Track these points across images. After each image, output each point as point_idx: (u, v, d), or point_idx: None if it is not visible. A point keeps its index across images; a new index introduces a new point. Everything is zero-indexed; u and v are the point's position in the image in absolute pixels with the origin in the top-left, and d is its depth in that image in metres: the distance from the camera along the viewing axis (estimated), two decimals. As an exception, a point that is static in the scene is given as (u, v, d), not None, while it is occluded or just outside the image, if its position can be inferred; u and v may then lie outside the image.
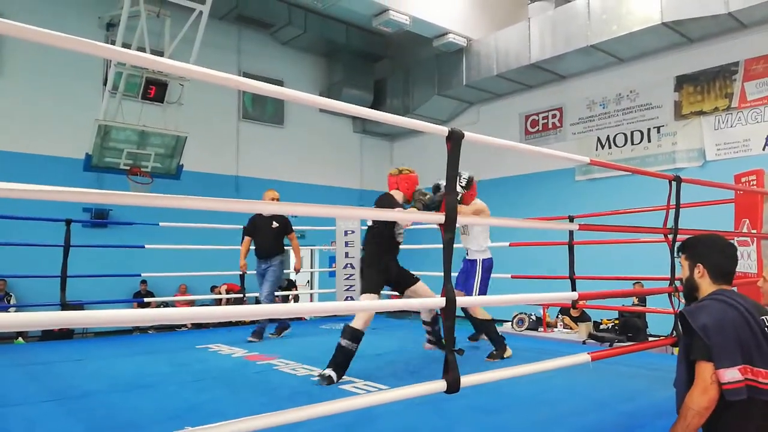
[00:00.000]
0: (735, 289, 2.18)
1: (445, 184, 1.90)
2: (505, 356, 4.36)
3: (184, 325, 9.77)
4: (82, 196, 1.37)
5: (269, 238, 5.83)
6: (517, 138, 12.70)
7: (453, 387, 1.84)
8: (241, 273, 6.44)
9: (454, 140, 1.90)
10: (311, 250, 14.13)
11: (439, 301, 1.86)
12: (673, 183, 2.97)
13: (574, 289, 4.91)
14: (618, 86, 11.24)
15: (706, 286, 2.09)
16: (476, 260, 4.66)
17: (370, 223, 4.45)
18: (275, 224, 5.85)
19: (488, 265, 4.66)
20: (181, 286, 11.47)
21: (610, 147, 11.30)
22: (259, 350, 4.90)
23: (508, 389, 3.15)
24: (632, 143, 11.02)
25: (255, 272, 5.96)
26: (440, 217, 1.89)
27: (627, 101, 11.15)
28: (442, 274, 1.88)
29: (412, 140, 15.78)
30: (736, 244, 3.23)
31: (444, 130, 1.90)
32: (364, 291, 3.92)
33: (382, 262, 3.96)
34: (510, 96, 13.01)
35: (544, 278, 5.68)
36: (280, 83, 13.90)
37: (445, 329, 1.89)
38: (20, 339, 8.90)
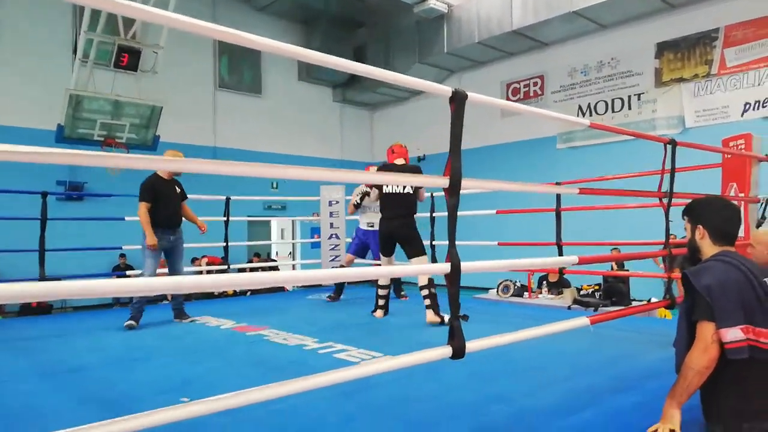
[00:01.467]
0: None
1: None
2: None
3: (165, 298, 9.67)
4: (68, 158, 1.26)
5: (176, 205, 5.00)
6: (497, 109, 12.65)
7: (458, 353, 1.82)
8: (225, 245, 6.36)
9: (458, 101, 1.84)
10: (293, 221, 14.04)
11: (444, 267, 1.83)
12: (668, 146, 2.96)
13: (560, 254, 4.95)
14: (599, 53, 11.22)
15: (708, 247, 2.10)
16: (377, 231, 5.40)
17: (408, 190, 4.78)
18: (178, 189, 5.11)
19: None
20: (161, 260, 11.30)
21: (591, 114, 11.33)
22: (248, 321, 4.86)
23: (501, 355, 3.16)
24: (613, 111, 11.07)
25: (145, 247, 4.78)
26: (444, 181, 1.84)
27: (608, 68, 11.15)
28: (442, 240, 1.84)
29: (392, 110, 15.64)
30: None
31: (447, 90, 1.84)
32: (421, 253, 4.68)
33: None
34: (492, 64, 12.92)
35: (531, 245, 5.71)
36: (257, 52, 13.56)
37: (450, 295, 1.86)
38: (-3, 315, 8.72)
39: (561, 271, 5.09)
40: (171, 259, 5.10)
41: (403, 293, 6.40)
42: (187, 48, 11.95)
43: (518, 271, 6.97)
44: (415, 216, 4.77)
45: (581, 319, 2.40)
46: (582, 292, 6.31)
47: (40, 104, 9.94)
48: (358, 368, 1.63)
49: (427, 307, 4.52)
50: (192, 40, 12.21)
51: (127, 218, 6.58)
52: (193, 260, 11.46)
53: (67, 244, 6.74)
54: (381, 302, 5.04)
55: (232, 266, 6.89)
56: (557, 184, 5.09)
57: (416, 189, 4.77)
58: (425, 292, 4.55)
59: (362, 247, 6.13)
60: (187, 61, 12.09)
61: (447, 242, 1.88)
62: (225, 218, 6.64)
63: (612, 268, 6.86)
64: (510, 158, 12.21)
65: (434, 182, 1.82)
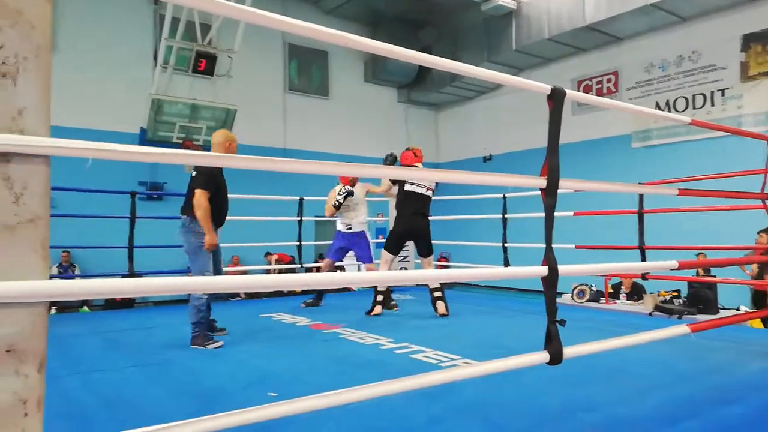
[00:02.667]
0: None
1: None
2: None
3: (238, 295, 9.99)
4: (150, 157, 1.30)
5: (227, 201, 4.40)
6: (568, 106, 12.26)
7: (556, 359, 1.77)
8: (298, 244, 6.52)
9: (557, 98, 1.79)
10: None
11: (541, 270, 1.79)
12: (773, 144, 2.77)
13: (644, 258, 4.74)
14: (679, 47, 10.68)
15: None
16: (364, 231, 5.81)
17: (429, 193, 5.27)
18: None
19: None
20: (233, 258, 11.70)
21: (669, 112, 10.80)
22: (323, 319, 4.94)
23: (587, 361, 3.06)
24: (694, 107, 10.51)
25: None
26: (541, 181, 1.79)
27: (689, 63, 10.59)
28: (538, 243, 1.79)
29: (457, 110, 15.50)
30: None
31: (546, 87, 1.79)
32: (432, 252, 5.30)
33: None
34: (562, 60, 12.56)
35: (610, 248, 5.49)
36: (325, 54, 13.80)
37: (547, 299, 1.81)
38: (85, 308, 9.28)
39: (644, 276, 4.87)
40: (216, 258, 4.27)
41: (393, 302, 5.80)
42: (259, 53, 12.30)
43: (593, 276, 6.74)
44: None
45: (680, 327, 2.28)
46: (660, 299, 6.02)
47: (125, 109, 10.50)
48: (457, 371, 1.62)
49: (438, 299, 5.13)
50: (263, 44, 12.56)
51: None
52: (266, 254, 11.85)
53: (148, 241, 7.06)
54: (380, 297, 5.33)
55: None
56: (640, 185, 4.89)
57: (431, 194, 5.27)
58: (438, 292, 5.16)
59: (344, 250, 5.82)
60: (259, 65, 12.44)
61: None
62: (298, 218, 6.77)
63: (697, 274, 6.50)
64: (582, 158, 11.80)
65: (531, 182, 1.77)
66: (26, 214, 1.04)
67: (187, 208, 3.88)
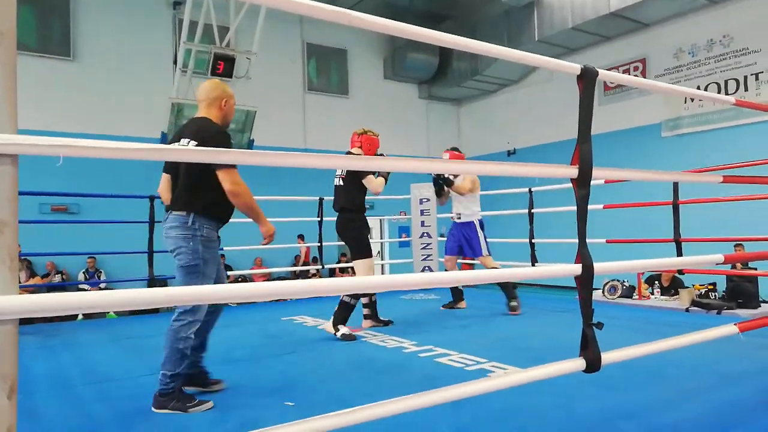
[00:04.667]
0: None
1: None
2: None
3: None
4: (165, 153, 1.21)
5: None
6: (595, 95, 11.95)
7: (593, 366, 1.61)
8: (319, 245, 6.41)
9: (588, 79, 1.62)
10: (380, 220, 14.03)
11: (575, 268, 1.62)
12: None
13: (680, 252, 4.50)
14: (709, 31, 10.27)
15: None
16: (473, 222, 5.25)
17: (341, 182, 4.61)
18: None
19: (483, 224, 5.33)
20: (256, 260, 11.69)
21: (701, 99, 10.40)
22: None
23: (624, 362, 2.87)
24: (726, 93, 10.09)
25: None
26: (573, 170, 1.62)
27: (720, 47, 10.18)
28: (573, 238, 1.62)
29: (478, 104, 15.24)
30: None
31: (576, 67, 1.63)
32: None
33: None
34: (586, 50, 12.21)
35: (643, 242, 5.25)
36: (344, 52, 13.70)
37: (581, 300, 1.64)
38: (112, 313, 9.34)
39: (680, 271, 4.63)
40: (221, 272, 3.16)
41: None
42: (277, 53, 12.26)
43: (648, 270, 6.48)
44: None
45: (728, 327, 2.08)
46: (695, 293, 5.75)
47: (145, 114, 10.54)
48: (492, 381, 1.47)
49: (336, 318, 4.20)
50: (282, 45, 12.52)
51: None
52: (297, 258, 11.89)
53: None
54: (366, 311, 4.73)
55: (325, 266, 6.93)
56: (681, 173, 4.65)
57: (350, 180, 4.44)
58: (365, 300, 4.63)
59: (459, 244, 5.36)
60: (278, 65, 12.40)
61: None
62: (318, 218, 6.67)
63: (734, 267, 6.20)
64: (610, 148, 11.44)
65: (561, 173, 1.61)
66: (-9, 221, 0.93)
67: (189, 200, 2.62)
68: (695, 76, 10.49)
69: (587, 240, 1.66)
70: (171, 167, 2.75)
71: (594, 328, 1.64)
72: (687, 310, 5.31)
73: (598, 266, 1.62)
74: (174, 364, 2.50)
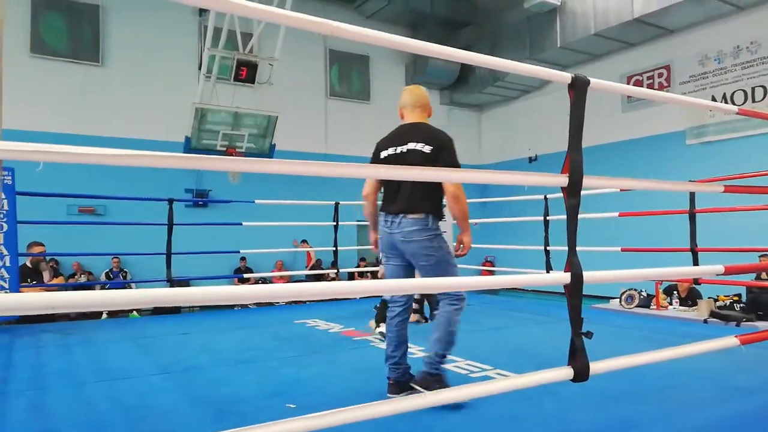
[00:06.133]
0: None
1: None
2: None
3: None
4: (187, 162, 1.27)
5: None
6: (618, 102, 11.82)
7: (581, 375, 1.61)
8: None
9: (578, 88, 1.63)
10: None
11: (563, 277, 1.63)
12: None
13: (696, 261, 4.43)
14: (736, 37, 10.08)
15: None
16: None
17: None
18: None
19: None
20: (277, 263, 11.81)
21: (711, 109, 10.18)
22: (355, 326, 4.86)
23: (629, 371, 2.84)
24: (753, 100, 9.89)
25: None
26: (563, 179, 1.63)
27: (747, 54, 9.98)
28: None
29: (500, 110, 15.19)
30: None
31: (566, 76, 1.64)
32: None
33: None
34: (609, 56, 12.10)
35: (659, 251, 5.18)
36: (366, 59, 13.79)
37: (570, 308, 1.65)
38: (135, 313, 9.54)
39: (696, 281, 4.55)
40: None
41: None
42: (300, 59, 12.40)
43: (644, 280, 6.39)
44: None
45: (728, 339, 2.05)
46: (718, 304, 5.63)
47: (170, 118, 10.77)
48: (478, 386, 1.48)
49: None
50: (304, 51, 12.66)
51: (244, 223, 6.89)
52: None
53: (193, 247, 7.18)
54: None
55: (341, 270, 6.99)
56: (687, 182, 4.58)
57: None
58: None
59: None
60: (300, 71, 12.55)
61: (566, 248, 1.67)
62: (334, 223, 6.73)
63: (758, 277, 6.06)
64: (632, 156, 11.31)
65: (551, 181, 1.62)
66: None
67: (425, 203, 2.68)
68: (721, 83, 10.30)
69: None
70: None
71: (583, 337, 1.64)
72: (705, 321, 5.20)
73: (587, 275, 1.63)
74: (445, 346, 2.65)
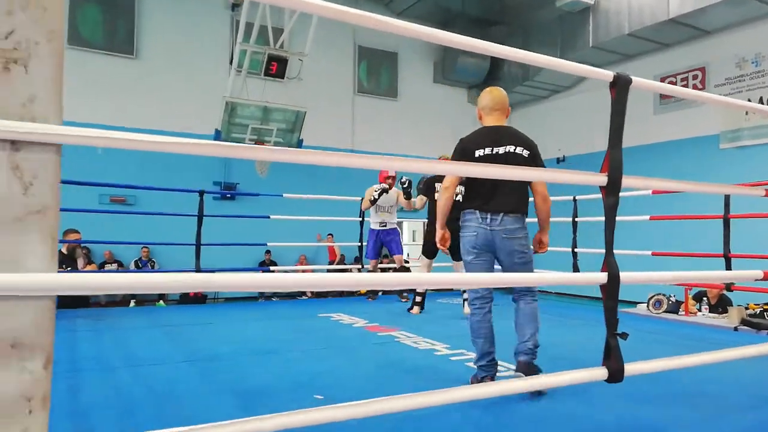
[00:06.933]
0: None
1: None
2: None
3: (305, 293, 10.13)
4: (220, 150, 1.30)
5: None
6: (650, 104, 11.59)
7: (616, 376, 1.59)
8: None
9: (620, 86, 1.60)
10: (424, 222, 14.03)
11: (600, 277, 1.61)
12: None
13: (729, 267, 4.33)
14: (776, 40, 9.80)
15: None
16: (396, 228, 6.43)
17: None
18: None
19: None
20: (301, 257, 11.89)
21: (753, 111, 9.92)
22: (380, 322, 4.87)
23: (657, 376, 2.80)
24: (793, 105, 9.60)
25: None
26: (602, 178, 1.61)
27: (787, 57, 9.70)
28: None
29: (529, 109, 15.03)
30: None
31: (608, 74, 1.61)
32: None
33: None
34: (643, 57, 11.86)
35: (691, 256, 5.07)
36: (394, 56, 13.78)
37: (606, 309, 1.63)
38: (161, 302, 9.72)
39: (728, 287, 4.45)
40: None
41: (404, 294, 6.67)
42: (329, 55, 12.45)
43: (672, 285, 6.27)
44: None
45: (764, 345, 2.01)
46: (748, 312, 5.49)
47: (201, 111, 10.92)
48: (511, 383, 1.47)
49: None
50: (334, 47, 12.71)
51: (272, 216, 6.95)
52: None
53: (220, 239, 7.28)
54: (418, 299, 5.67)
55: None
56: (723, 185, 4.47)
57: None
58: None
59: (380, 248, 6.42)
60: (329, 67, 12.59)
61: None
62: (360, 219, 6.75)
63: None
64: (664, 159, 11.09)
65: (590, 180, 1.60)
66: (35, 205, 1.01)
67: (522, 204, 2.86)
68: (758, 86, 10.03)
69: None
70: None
71: (618, 338, 1.62)
72: (736, 329, 5.09)
73: (624, 276, 1.60)
74: (537, 338, 2.84)
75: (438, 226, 3.00)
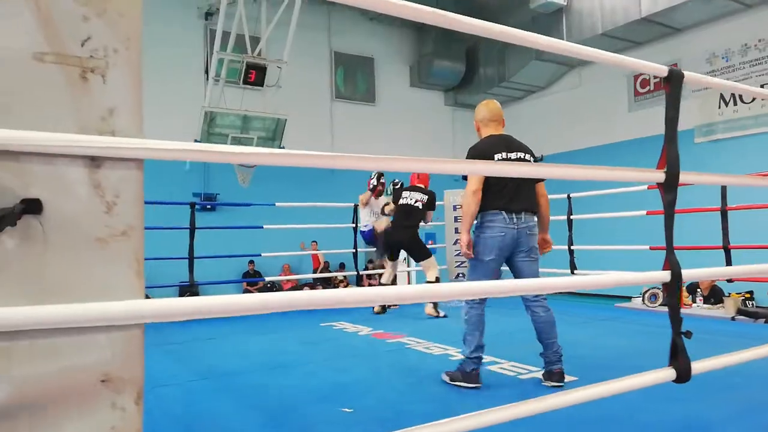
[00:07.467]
0: None
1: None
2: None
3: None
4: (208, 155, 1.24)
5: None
6: (624, 101, 11.81)
7: (684, 376, 1.56)
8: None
9: (674, 81, 1.59)
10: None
11: (663, 275, 1.58)
12: None
13: (729, 260, 4.40)
14: (744, 35, 10.09)
15: None
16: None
17: (419, 205, 5.79)
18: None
19: None
20: (284, 266, 11.73)
21: (735, 104, 10.22)
22: (384, 328, 4.81)
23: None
24: (762, 98, 9.89)
25: None
26: (659, 175, 1.59)
27: (755, 51, 9.99)
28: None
29: (505, 111, 15.00)
30: None
31: (663, 69, 1.60)
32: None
33: None
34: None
35: (690, 249, 5.13)
36: (371, 61, 13.75)
37: (670, 308, 1.60)
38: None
39: (729, 281, 4.52)
40: None
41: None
42: (306, 62, 12.35)
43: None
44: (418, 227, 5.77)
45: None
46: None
47: (178, 122, 10.69)
48: (581, 391, 1.43)
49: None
50: (311, 53, 12.62)
51: (265, 226, 6.85)
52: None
53: (204, 251, 7.09)
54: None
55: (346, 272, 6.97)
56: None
57: (426, 208, 5.73)
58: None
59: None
60: (307, 74, 12.49)
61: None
62: (353, 225, 6.69)
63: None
64: (639, 156, 11.24)
65: (647, 177, 1.58)
66: (119, 225, 0.93)
67: (534, 203, 3.06)
68: (729, 81, 10.30)
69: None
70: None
71: (683, 336, 1.60)
72: (733, 318, 5.18)
73: (686, 273, 1.58)
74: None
75: (464, 230, 3.00)
